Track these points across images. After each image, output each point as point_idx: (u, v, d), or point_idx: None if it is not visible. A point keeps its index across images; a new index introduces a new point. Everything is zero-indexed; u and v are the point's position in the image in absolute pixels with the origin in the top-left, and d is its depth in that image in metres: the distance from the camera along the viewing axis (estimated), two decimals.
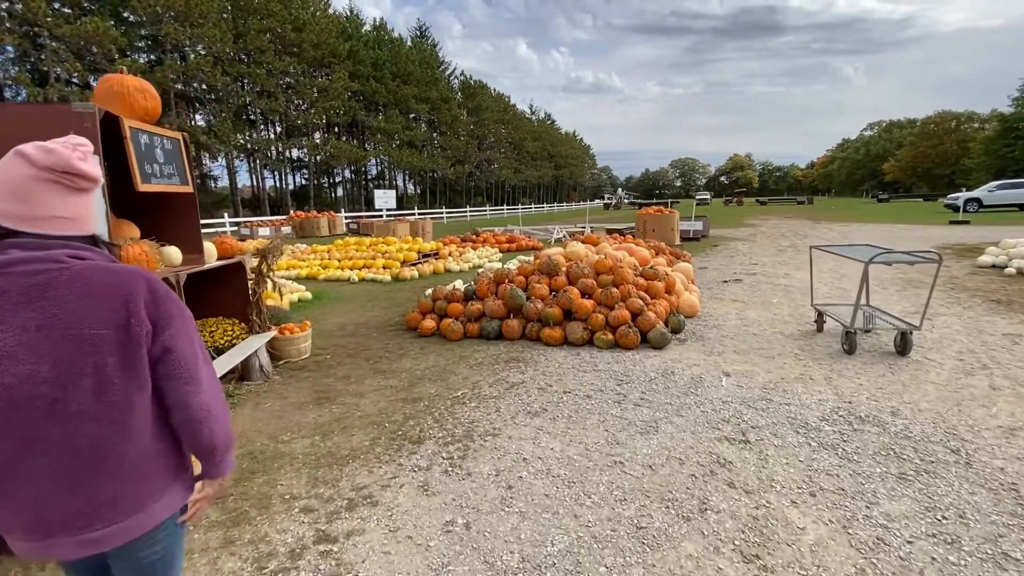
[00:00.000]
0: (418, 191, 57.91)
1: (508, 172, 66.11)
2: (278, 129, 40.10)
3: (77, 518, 1.06)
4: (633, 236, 12.20)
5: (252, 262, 5.01)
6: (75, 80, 25.27)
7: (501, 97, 66.59)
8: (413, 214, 35.79)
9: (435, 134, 54.68)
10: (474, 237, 16.45)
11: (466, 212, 44.34)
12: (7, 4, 21.57)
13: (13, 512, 1.04)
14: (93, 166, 1.11)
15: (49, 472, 1.02)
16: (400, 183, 56.65)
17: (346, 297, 8.83)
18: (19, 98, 23.70)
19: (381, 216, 31.01)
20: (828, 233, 18.65)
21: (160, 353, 1.10)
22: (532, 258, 6.96)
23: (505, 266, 7.71)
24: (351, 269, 11.35)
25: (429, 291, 6.76)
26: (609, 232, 14.44)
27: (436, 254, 12.75)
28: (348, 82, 38.96)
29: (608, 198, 73.22)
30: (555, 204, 76.13)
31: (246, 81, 34.30)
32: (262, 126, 39.46)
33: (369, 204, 43.78)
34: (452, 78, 57.73)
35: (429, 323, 6.13)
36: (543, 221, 32.04)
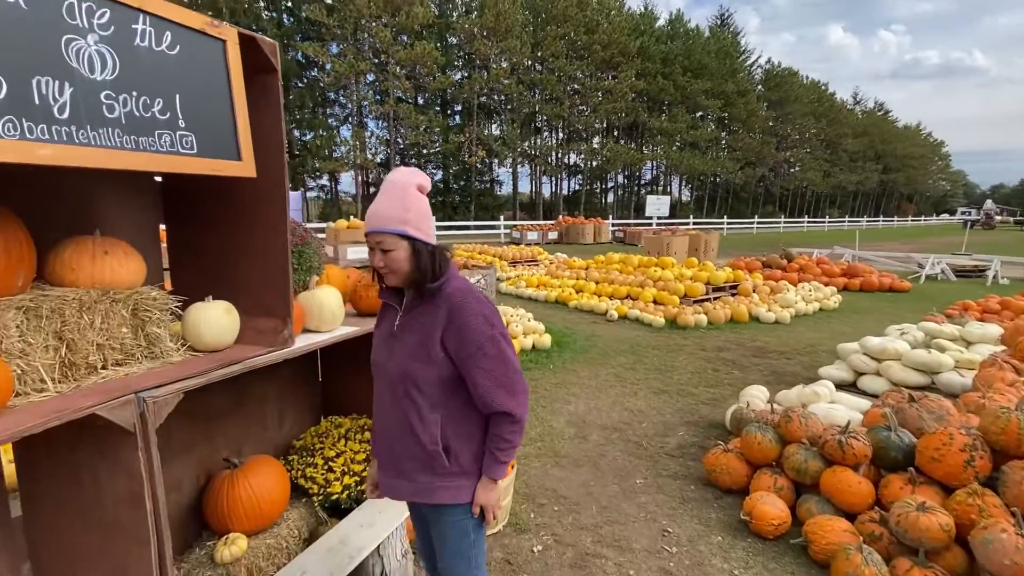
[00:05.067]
0: (693, 197, 52.18)
1: (815, 176, 53.66)
2: (560, 135, 40.91)
3: None
4: None
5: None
6: (407, 98, 29.92)
7: (815, 85, 54.49)
8: (688, 223, 31.26)
9: (724, 133, 48.05)
10: (785, 263, 11.56)
11: (752, 224, 37.02)
12: (368, 38, 26.54)
13: None
14: None
15: None
16: (675, 189, 52.09)
17: (598, 350, 5.89)
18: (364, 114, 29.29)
19: (651, 224, 27.71)
20: None
21: None
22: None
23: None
24: (610, 298, 8.45)
25: (744, 422, 3.18)
26: None
27: (734, 287, 8.75)
28: (634, 81, 36.77)
29: (970, 212, 52.63)
30: (878, 218, 58.79)
31: (538, 89, 35.60)
32: (545, 132, 40.86)
33: (639, 211, 40.96)
34: (754, 68, 49.82)
35: (772, 511, 2.58)
36: (875, 241, 23.35)
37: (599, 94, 36.84)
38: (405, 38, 28.13)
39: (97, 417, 1.25)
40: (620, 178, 47.67)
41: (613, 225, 26.49)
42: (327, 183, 34.57)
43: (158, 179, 1.95)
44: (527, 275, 10.89)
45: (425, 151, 34.29)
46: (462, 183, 36.98)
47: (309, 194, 32.30)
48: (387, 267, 1.34)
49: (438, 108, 34.93)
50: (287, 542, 2.11)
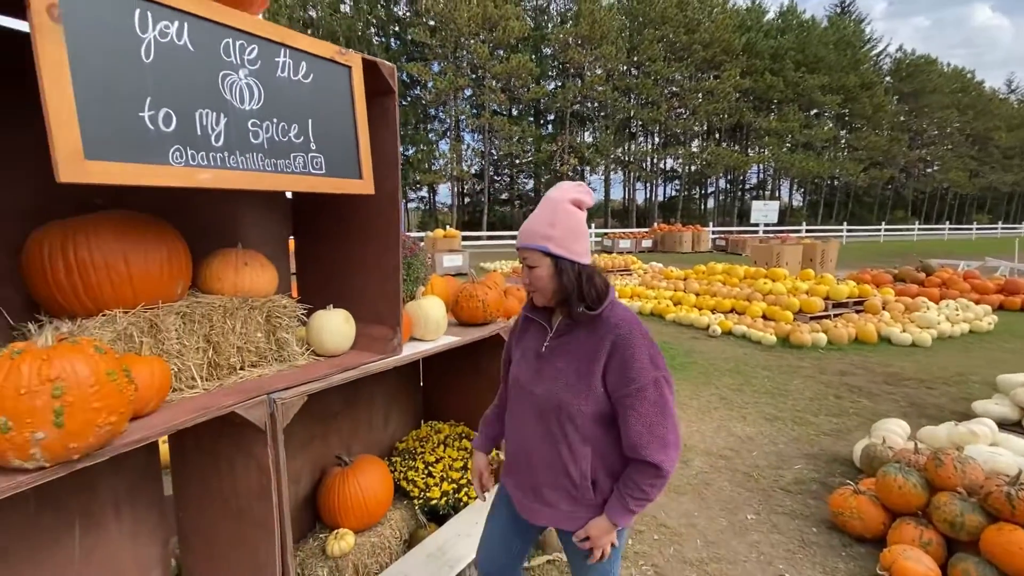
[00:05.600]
0: (806, 202, 47.70)
1: (959, 176, 46.62)
2: (656, 140, 39.62)
3: None
4: None
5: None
6: (501, 110, 30.74)
7: (958, 73, 47.50)
8: (799, 231, 28.63)
9: (844, 131, 43.52)
10: (922, 276, 10.09)
11: (878, 231, 32.93)
12: (466, 54, 27.71)
13: None
14: None
15: None
16: (784, 194, 48.07)
17: (699, 368, 5.53)
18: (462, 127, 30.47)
19: (757, 232, 25.77)
20: None
21: None
22: None
23: None
24: (713, 312, 7.93)
25: (890, 462, 2.76)
26: None
27: (859, 303, 7.81)
28: (738, 80, 34.62)
29: None
30: None
31: (633, 94, 34.84)
32: (641, 137, 39.77)
33: (742, 218, 38.42)
34: (881, 57, 44.68)
35: (918, 568, 2.20)
36: None
37: (699, 95, 35.20)
38: (501, 52, 28.97)
39: (235, 415, 1.37)
40: (722, 183, 45.00)
41: (714, 233, 25.01)
42: (426, 194, 36.53)
43: (289, 195, 2.14)
44: (620, 285, 10.60)
45: (518, 161, 34.97)
46: None
47: (409, 205, 34.32)
48: (531, 284, 1.29)
49: (531, 118, 35.48)
50: (389, 542, 2.19)
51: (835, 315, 7.39)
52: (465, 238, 16.43)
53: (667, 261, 15.36)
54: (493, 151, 32.61)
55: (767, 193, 44.94)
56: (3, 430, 0.92)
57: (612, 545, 1.34)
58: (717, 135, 41.06)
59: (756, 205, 26.97)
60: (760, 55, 36.84)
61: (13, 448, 0.94)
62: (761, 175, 45.79)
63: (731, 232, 26.57)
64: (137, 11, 1.04)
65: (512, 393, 1.44)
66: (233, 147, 1.22)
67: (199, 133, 1.16)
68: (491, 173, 33.87)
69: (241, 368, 1.62)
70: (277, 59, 1.32)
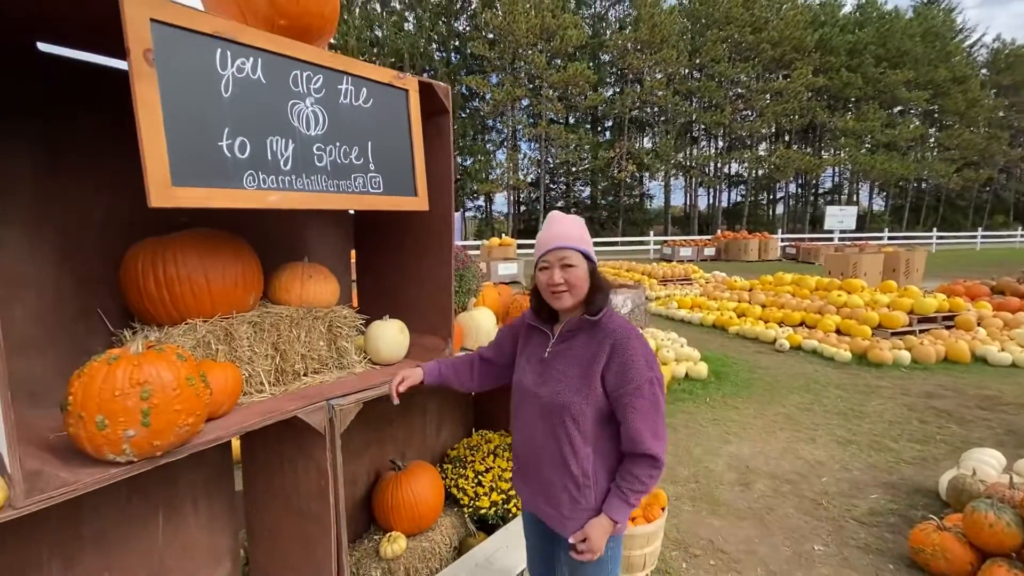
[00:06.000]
0: (889, 207, 44.10)
1: None
2: (719, 144, 38.18)
3: None
4: None
5: None
6: (558, 119, 30.80)
7: None
8: (881, 238, 26.52)
9: (932, 129, 39.97)
10: None
11: (974, 238, 29.84)
12: (523, 65, 28.03)
13: None
14: None
15: None
16: (863, 198, 44.77)
17: (764, 385, 5.25)
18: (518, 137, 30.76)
19: (832, 239, 24.13)
20: None
21: None
22: None
23: None
24: (780, 325, 7.50)
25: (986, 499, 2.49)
26: None
27: (950, 318, 7.11)
28: (810, 78, 32.74)
29: None
30: None
31: (695, 97, 33.83)
32: (703, 142, 38.46)
33: (815, 224, 36.14)
34: (975, 48, 40.77)
35: None
36: None
37: (767, 96, 33.58)
38: (558, 61, 29.07)
39: (297, 419, 1.46)
40: (792, 187, 42.55)
41: (783, 240, 23.64)
42: (482, 203, 37.14)
43: (351, 211, 2.26)
44: (679, 295, 10.27)
45: (575, 168, 34.83)
46: (610, 199, 36.66)
47: (467, 214, 35.02)
48: (567, 283, 1.37)
49: (588, 126, 35.27)
50: (440, 548, 2.24)
51: (920, 331, 6.78)
52: (520, 246, 16.55)
53: (731, 270, 14.72)
54: (549, 159, 32.68)
55: (843, 198, 41.99)
56: (100, 427, 1.04)
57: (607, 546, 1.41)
58: (787, 137, 38.94)
59: (831, 211, 25.24)
60: (835, 51, 34.63)
61: (108, 443, 1.05)
62: (836, 178, 42.89)
63: (802, 240, 25.00)
64: (218, 51, 1.15)
65: (517, 398, 1.52)
66: (299, 170, 1.32)
67: (269, 158, 1.26)
68: (547, 181, 33.95)
69: (304, 374, 1.72)
70: (340, 86, 1.41)
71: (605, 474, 1.40)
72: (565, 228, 1.41)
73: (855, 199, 42.87)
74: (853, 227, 25.05)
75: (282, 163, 1.28)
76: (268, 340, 1.61)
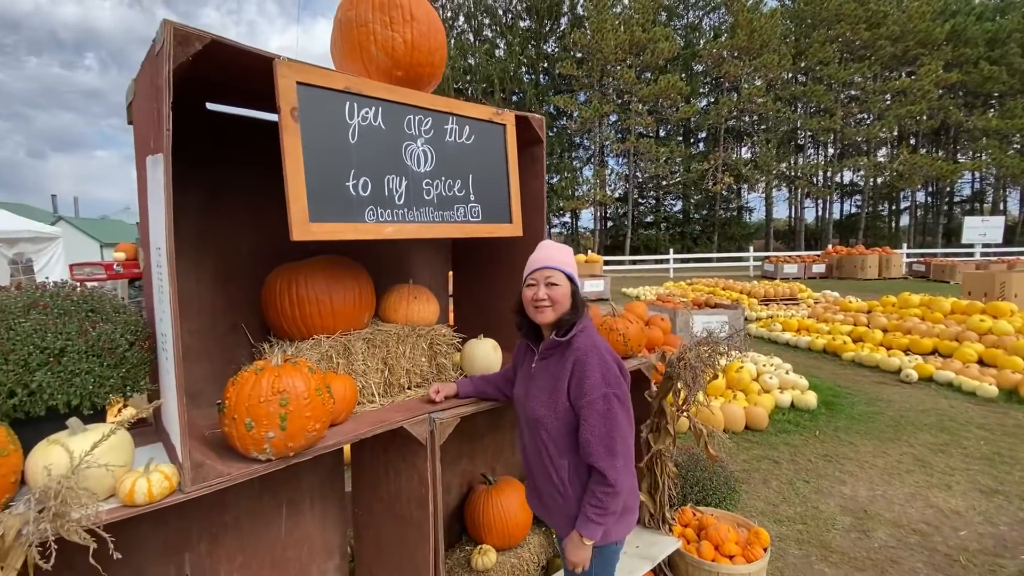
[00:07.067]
0: None
1: None
2: (829, 151, 35.03)
3: None
4: None
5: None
6: (648, 133, 30.13)
7: None
8: None
9: None
10: None
11: None
12: (612, 81, 27.90)
13: None
14: None
15: None
16: (1012, 207, 38.60)
17: (886, 420, 4.69)
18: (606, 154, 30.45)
19: (971, 255, 21.03)
20: None
21: None
22: None
23: None
24: (907, 353, 6.67)
25: None
26: None
27: None
28: (941, 74, 29.09)
29: None
30: None
31: (800, 103, 31.49)
32: (810, 150, 35.54)
33: (950, 237, 31.81)
34: None
35: None
36: None
37: (886, 97, 30.33)
38: (648, 74, 28.59)
39: (402, 429, 1.59)
40: (920, 196, 37.80)
41: (909, 256, 21.03)
42: (568, 219, 37.17)
43: None
44: (784, 316, 9.50)
45: (665, 182, 33.77)
46: (704, 212, 34.99)
47: (553, 231, 35.24)
48: (550, 298, 1.49)
49: (680, 138, 34.11)
50: (528, 565, 2.27)
51: None
52: (607, 263, 16.31)
53: (844, 290, 13.36)
54: (638, 174, 32.02)
55: (986, 207, 36.46)
56: (248, 428, 1.22)
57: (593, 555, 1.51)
58: (912, 140, 34.79)
59: (970, 222, 21.99)
60: (971, 42, 30.51)
61: (253, 443, 1.23)
62: (978, 184, 37.42)
63: (934, 255, 22.03)
64: (347, 104, 1.33)
65: (517, 411, 1.67)
66: (411, 204, 1.46)
67: (386, 194, 1.41)
68: (635, 196, 33.23)
69: (408, 388, 1.87)
70: (446, 126, 1.54)
71: (579, 484, 1.50)
72: (552, 252, 1.55)
73: (1002, 208, 37.08)
74: (999, 240, 21.60)
75: (397, 198, 1.43)
76: (379, 355, 1.77)
